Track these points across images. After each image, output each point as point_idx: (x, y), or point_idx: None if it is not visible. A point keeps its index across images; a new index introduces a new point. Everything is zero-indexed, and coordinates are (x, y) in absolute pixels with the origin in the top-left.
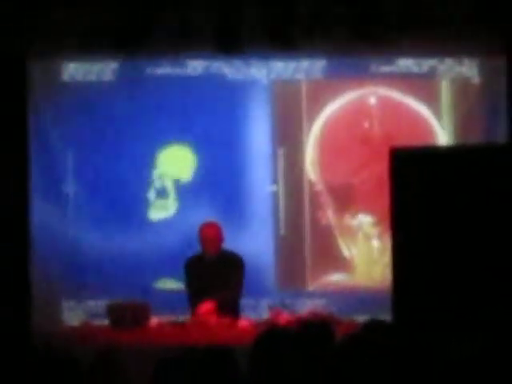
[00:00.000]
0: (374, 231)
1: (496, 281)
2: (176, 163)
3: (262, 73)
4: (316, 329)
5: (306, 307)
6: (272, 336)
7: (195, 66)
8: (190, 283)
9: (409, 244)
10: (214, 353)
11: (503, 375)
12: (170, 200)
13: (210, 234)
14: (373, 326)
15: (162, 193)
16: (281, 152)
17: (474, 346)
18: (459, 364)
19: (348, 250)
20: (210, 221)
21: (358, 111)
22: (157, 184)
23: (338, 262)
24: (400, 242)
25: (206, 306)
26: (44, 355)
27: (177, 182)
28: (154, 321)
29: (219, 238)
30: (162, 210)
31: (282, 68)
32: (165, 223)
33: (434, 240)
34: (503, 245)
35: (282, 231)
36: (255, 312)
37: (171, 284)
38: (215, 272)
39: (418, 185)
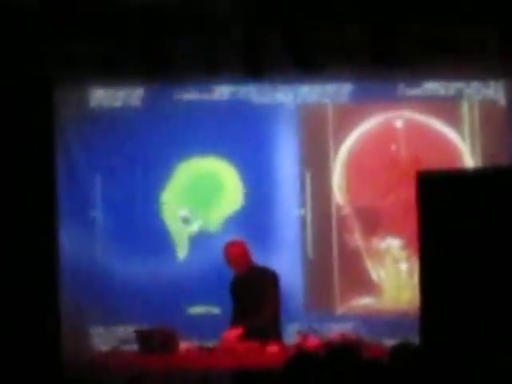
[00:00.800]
0: (402, 254)
1: None
2: None
3: (289, 97)
4: (344, 352)
5: (335, 331)
6: (300, 360)
7: (222, 92)
8: (232, 300)
9: (436, 267)
10: (241, 379)
11: None
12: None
13: (233, 252)
14: (401, 350)
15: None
16: (308, 176)
17: (503, 368)
18: None
19: (376, 273)
20: (232, 239)
21: (385, 135)
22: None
23: (367, 285)
24: (428, 265)
25: (232, 333)
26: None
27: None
28: (183, 346)
29: (243, 255)
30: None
31: (307, 92)
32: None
33: (461, 263)
34: None
35: (310, 254)
36: (284, 336)
37: (201, 309)
38: (246, 290)
39: (445, 208)
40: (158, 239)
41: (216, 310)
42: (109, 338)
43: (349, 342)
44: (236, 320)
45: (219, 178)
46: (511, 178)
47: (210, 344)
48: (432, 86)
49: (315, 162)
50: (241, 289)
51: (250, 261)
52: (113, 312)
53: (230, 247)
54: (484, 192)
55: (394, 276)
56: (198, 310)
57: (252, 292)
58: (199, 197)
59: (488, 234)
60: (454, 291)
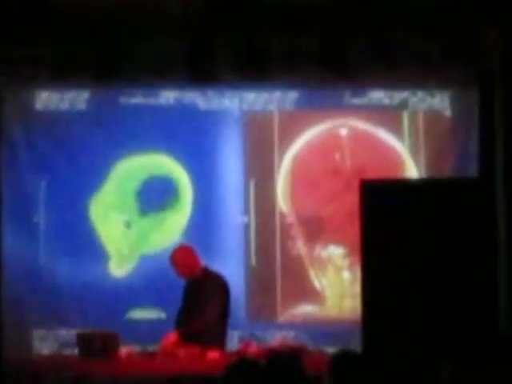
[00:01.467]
0: (344, 263)
1: (464, 310)
2: None
3: (235, 103)
4: (285, 360)
5: (277, 338)
6: (241, 367)
7: (168, 96)
8: (181, 304)
9: (378, 275)
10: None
11: None
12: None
13: (176, 259)
14: (342, 358)
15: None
16: (252, 183)
17: (442, 374)
18: None
19: (319, 281)
20: (179, 245)
21: (330, 143)
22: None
23: (309, 293)
24: (370, 273)
25: (169, 339)
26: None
27: None
28: (124, 351)
29: (188, 261)
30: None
31: (254, 99)
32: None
33: (403, 271)
34: (470, 274)
35: (253, 262)
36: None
37: (145, 313)
38: (192, 295)
39: (387, 216)
40: (101, 243)
41: (161, 315)
42: (50, 340)
43: (290, 349)
44: (178, 324)
45: (173, 179)
46: (453, 189)
47: (152, 349)
48: (377, 95)
49: (260, 169)
50: (187, 293)
51: (196, 266)
52: (55, 315)
53: (173, 252)
54: (426, 202)
55: (336, 284)
56: (141, 313)
57: (196, 297)
58: (149, 198)
59: (430, 243)
60: (395, 299)
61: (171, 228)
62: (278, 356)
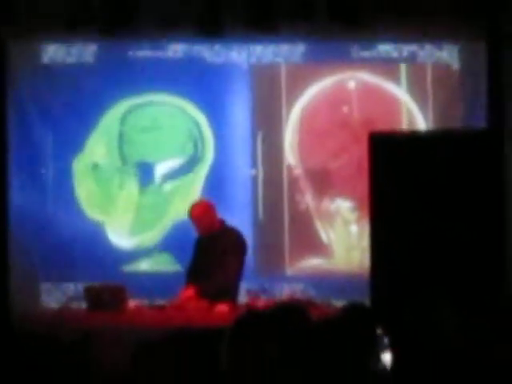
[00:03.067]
0: (352, 216)
1: (471, 262)
2: None
3: (242, 57)
4: (292, 311)
5: (285, 292)
6: (250, 318)
7: (176, 50)
8: (192, 257)
9: (387, 228)
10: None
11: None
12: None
13: (196, 215)
14: (352, 310)
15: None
16: (260, 136)
17: (450, 322)
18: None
19: (326, 234)
20: (198, 200)
21: (338, 96)
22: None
23: (317, 246)
24: (378, 226)
25: (187, 293)
26: (24, 334)
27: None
28: (132, 304)
29: (207, 217)
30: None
31: (261, 52)
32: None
33: (411, 224)
34: (477, 225)
35: (261, 215)
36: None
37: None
38: (210, 251)
39: (396, 168)
40: None
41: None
42: (58, 294)
43: (298, 302)
44: (192, 279)
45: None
46: (462, 140)
47: (160, 302)
48: (385, 48)
49: (267, 122)
50: (203, 248)
51: (215, 221)
52: (62, 268)
53: (194, 208)
54: (435, 154)
55: (343, 238)
56: (147, 266)
57: (215, 252)
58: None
59: (438, 195)
60: (404, 252)
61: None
62: (285, 307)
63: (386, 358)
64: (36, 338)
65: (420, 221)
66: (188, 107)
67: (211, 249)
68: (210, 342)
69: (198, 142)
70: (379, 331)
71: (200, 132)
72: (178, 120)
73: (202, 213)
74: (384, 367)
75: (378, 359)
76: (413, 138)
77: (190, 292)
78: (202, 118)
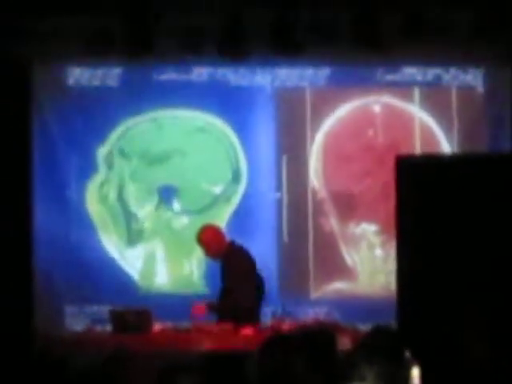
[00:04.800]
0: (377, 240)
1: (499, 289)
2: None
3: (267, 80)
4: (319, 336)
5: (309, 315)
6: (277, 342)
7: (200, 73)
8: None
9: (413, 252)
10: (221, 359)
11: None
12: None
13: (204, 239)
14: (379, 333)
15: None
16: (285, 159)
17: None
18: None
19: (351, 258)
20: (205, 225)
21: (363, 119)
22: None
23: (341, 270)
24: (405, 250)
25: (196, 308)
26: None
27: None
28: (157, 327)
29: (215, 241)
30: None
31: (286, 75)
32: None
33: (438, 247)
34: (505, 252)
35: (286, 238)
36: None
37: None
38: (222, 272)
39: (422, 192)
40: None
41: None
42: (82, 317)
43: (324, 325)
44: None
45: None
46: (487, 164)
47: (184, 325)
48: (410, 71)
49: (292, 145)
50: (221, 271)
51: (223, 245)
52: (87, 291)
53: (202, 233)
54: (461, 178)
55: (368, 261)
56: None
57: (224, 274)
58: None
59: (463, 220)
60: (431, 276)
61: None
62: (311, 332)
63: (415, 381)
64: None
65: (446, 244)
66: (220, 124)
67: (223, 270)
68: (237, 364)
69: (236, 166)
70: (407, 354)
71: (235, 155)
72: (212, 140)
73: (211, 237)
74: None
75: (407, 382)
76: (439, 162)
77: (200, 306)
78: (234, 139)
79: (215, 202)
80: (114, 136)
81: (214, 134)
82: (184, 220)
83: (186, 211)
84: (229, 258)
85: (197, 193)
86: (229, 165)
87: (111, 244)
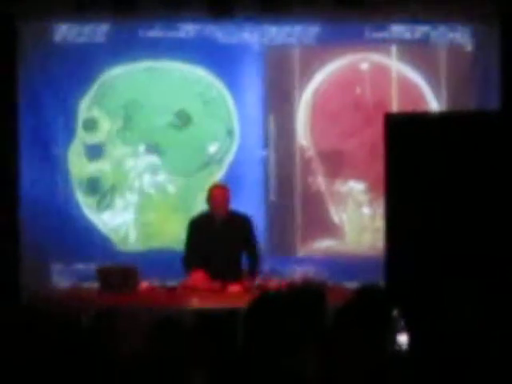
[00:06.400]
0: (364, 198)
1: (488, 244)
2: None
3: (255, 37)
4: (310, 295)
5: (296, 273)
6: (266, 300)
7: (188, 30)
8: (193, 242)
9: (402, 208)
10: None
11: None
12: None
13: (221, 196)
14: (366, 292)
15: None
16: (272, 117)
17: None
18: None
19: (338, 216)
20: (219, 183)
21: (350, 77)
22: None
23: (328, 228)
24: (393, 207)
25: (199, 275)
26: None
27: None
28: (144, 284)
29: (228, 200)
30: None
31: (274, 33)
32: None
33: (426, 205)
34: (493, 208)
35: (273, 196)
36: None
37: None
38: (225, 232)
39: (411, 149)
40: None
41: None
42: (69, 275)
43: (312, 283)
44: (196, 263)
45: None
46: (476, 122)
47: (171, 283)
48: (398, 30)
49: (280, 103)
50: (219, 231)
51: (228, 206)
52: (73, 249)
53: (218, 189)
54: (448, 135)
55: (355, 219)
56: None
57: (230, 234)
58: None
59: (454, 178)
60: (418, 233)
61: None
62: (302, 291)
63: (402, 339)
64: (50, 316)
65: (435, 202)
66: (213, 79)
67: (229, 228)
68: (225, 321)
69: (230, 123)
70: (395, 313)
71: (229, 111)
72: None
73: (224, 195)
74: (400, 348)
75: (394, 340)
76: (427, 119)
77: (201, 275)
78: (227, 95)
79: (208, 164)
80: (95, 87)
81: (210, 89)
82: (171, 182)
83: (173, 173)
84: (236, 219)
85: (190, 152)
86: (224, 122)
87: (87, 206)
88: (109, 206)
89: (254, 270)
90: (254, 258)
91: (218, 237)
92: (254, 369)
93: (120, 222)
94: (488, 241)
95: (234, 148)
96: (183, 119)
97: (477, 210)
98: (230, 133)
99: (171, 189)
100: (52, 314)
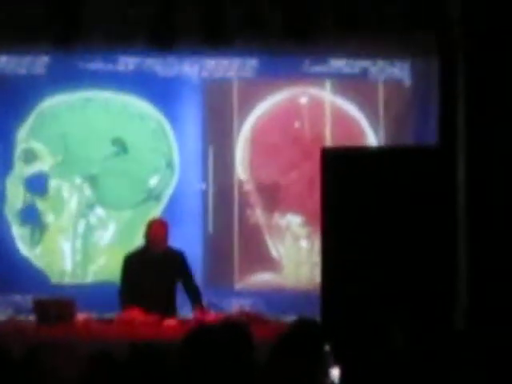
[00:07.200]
0: (302, 231)
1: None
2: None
3: (195, 70)
4: (234, 328)
5: (234, 306)
6: (200, 334)
7: (127, 62)
8: (127, 278)
9: (338, 243)
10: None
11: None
12: None
13: (160, 232)
14: (300, 326)
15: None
16: (211, 150)
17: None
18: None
19: (276, 249)
20: (159, 218)
21: (289, 111)
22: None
23: (266, 261)
24: (329, 241)
25: (133, 311)
26: None
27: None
28: (81, 317)
29: (167, 235)
30: None
31: (213, 66)
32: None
33: (362, 240)
34: (425, 243)
35: (211, 229)
36: (182, 310)
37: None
38: (160, 268)
39: (347, 184)
40: None
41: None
42: (5, 306)
43: (246, 317)
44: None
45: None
46: (413, 157)
47: (109, 316)
48: (337, 64)
49: (219, 136)
50: (154, 267)
51: (166, 242)
52: (9, 280)
53: (157, 225)
54: (386, 170)
55: (293, 253)
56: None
57: (165, 270)
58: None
59: (388, 213)
60: (355, 268)
61: None
62: (230, 324)
63: (334, 373)
64: None
65: (371, 237)
66: (151, 110)
67: (164, 265)
68: (160, 355)
69: (170, 156)
70: (327, 347)
71: (169, 143)
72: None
73: (163, 230)
74: (332, 382)
75: (326, 374)
76: (364, 154)
77: (136, 311)
78: (168, 127)
79: (148, 198)
80: (33, 117)
81: (150, 121)
82: (109, 216)
83: (111, 206)
84: (171, 255)
85: (129, 185)
86: (163, 154)
87: (21, 240)
88: (43, 240)
89: (198, 298)
90: (195, 288)
91: (153, 272)
92: None
93: (56, 256)
94: (419, 274)
95: (174, 181)
96: (119, 146)
97: (410, 245)
98: (169, 165)
99: (108, 222)
100: None
